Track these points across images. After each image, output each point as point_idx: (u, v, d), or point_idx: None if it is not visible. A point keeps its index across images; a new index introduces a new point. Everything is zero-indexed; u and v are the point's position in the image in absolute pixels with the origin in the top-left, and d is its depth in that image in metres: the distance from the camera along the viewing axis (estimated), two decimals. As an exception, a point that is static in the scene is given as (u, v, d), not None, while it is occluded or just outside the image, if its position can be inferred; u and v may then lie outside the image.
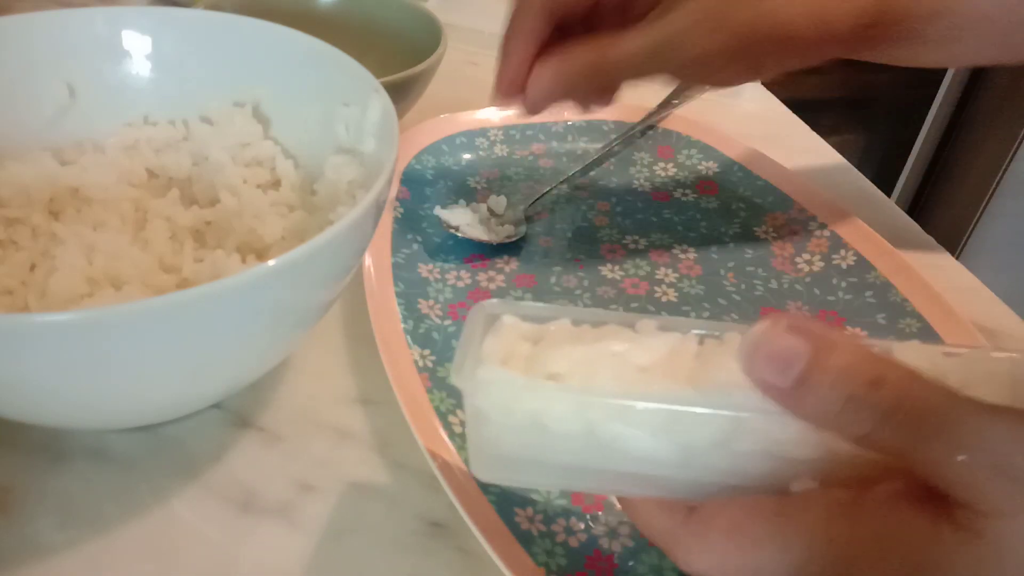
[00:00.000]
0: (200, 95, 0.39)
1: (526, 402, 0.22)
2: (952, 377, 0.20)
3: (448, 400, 0.34)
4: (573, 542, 0.30)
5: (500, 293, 0.41)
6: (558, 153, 0.52)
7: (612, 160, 0.52)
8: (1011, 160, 1.14)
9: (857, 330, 0.40)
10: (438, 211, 0.44)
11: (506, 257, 0.44)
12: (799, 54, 0.35)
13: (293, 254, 0.25)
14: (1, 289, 0.32)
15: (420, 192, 0.47)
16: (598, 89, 0.39)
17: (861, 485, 0.21)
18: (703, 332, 0.23)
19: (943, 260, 0.48)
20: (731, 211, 0.48)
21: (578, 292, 0.42)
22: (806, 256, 0.45)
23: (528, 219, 0.46)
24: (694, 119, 0.54)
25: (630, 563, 0.30)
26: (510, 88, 0.38)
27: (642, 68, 0.36)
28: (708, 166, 0.51)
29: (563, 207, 0.48)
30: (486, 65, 0.67)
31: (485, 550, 0.28)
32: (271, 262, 0.24)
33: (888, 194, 0.54)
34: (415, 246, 0.43)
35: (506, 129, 0.52)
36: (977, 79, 1.20)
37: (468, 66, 0.66)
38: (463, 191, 0.48)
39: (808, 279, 0.44)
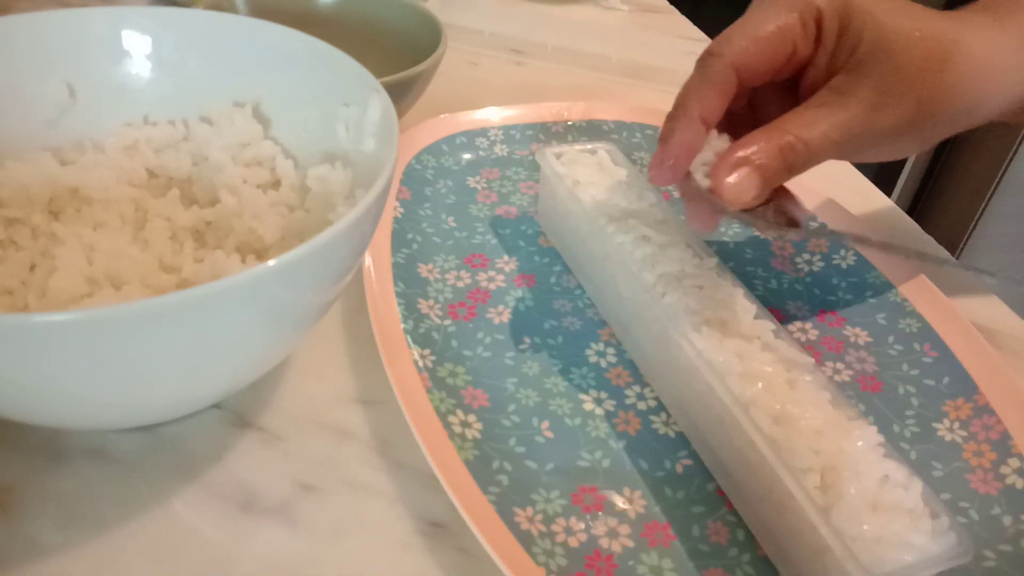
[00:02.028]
0: (200, 95, 0.39)
1: (553, 177, 0.42)
2: None
3: (448, 400, 0.34)
4: (573, 542, 0.30)
5: (500, 293, 0.41)
6: (558, 153, 0.52)
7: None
8: (1011, 160, 1.14)
9: (857, 330, 0.40)
10: None
11: (506, 257, 0.44)
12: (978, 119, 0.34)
13: (293, 254, 0.25)
14: (1, 289, 0.32)
15: (420, 192, 0.47)
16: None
17: None
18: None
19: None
20: (731, 211, 0.48)
21: (578, 292, 0.42)
22: (806, 256, 0.45)
23: (528, 219, 0.46)
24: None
25: (630, 563, 0.30)
26: (670, 174, 0.33)
27: (835, 153, 0.33)
28: (708, 166, 0.51)
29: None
30: (486, 65, 0.68)
31: (485, 550, 0.28)
32: (271, 262, 0.24)
33: (888, 194, 0.54)
34: (415, 246, 0.43)
35: (506, 129, 0.52)
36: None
37: (468, 66, 0.66)
38: (463, 191, 0.48)
39: (808, 279, 0.44)
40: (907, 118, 0.32)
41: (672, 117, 0.33)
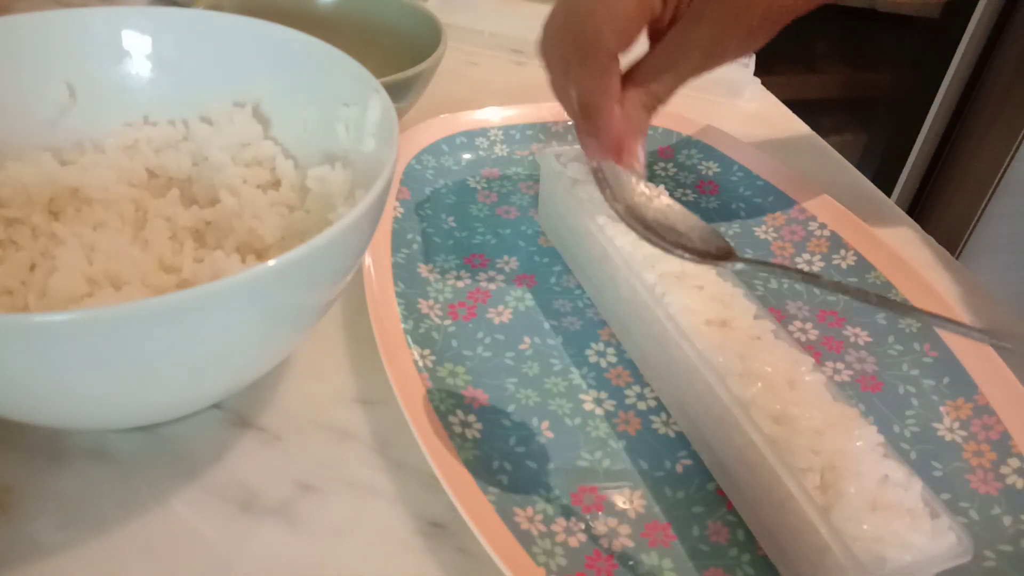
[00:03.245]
0: (200, 95, 0.39)
1: (553, 176, 0.42)
2: None
3: (448, 400, 0.34)
4: (573, 542, 0.30)
5: (500, 293, 0.41)
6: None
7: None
8: (1011, 160, 1.14)
9: (857, 330, 0.40)
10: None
11: (506, 257, 0.44)
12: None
13: (293, 254, 0.25)
14: (1, 289, 0.32)
15: (420, 192, 0.47)
16: None
17: None
18: None
19: (943, 260, 0.48)
20: (731, 211, 0.48)
21: (578, 292, 0.42)
22: (806, 256, 0.45)
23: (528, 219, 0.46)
24: (694, 119, 0.54)
25: (630, 563, 0.30)
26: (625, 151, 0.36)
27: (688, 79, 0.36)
28: (708, 166, 0.51)
29: (563, 207, 0.48)
30: (486, 65, 0.68)
31: (485, 550, 0.28)
32: (271, 262, 0.24)
33: (888, 194, 0.54)
34: (415, 246, 0.43)
35: (506, 129, 0.52)
36: (977, 79, 1.20)
37: (468, 66, 0.66)
38: (463, 191, 0.48)
39: (808, 279, 0.44)
40: (750, 31, 0.34)
41: (596, 118, 0.35)
